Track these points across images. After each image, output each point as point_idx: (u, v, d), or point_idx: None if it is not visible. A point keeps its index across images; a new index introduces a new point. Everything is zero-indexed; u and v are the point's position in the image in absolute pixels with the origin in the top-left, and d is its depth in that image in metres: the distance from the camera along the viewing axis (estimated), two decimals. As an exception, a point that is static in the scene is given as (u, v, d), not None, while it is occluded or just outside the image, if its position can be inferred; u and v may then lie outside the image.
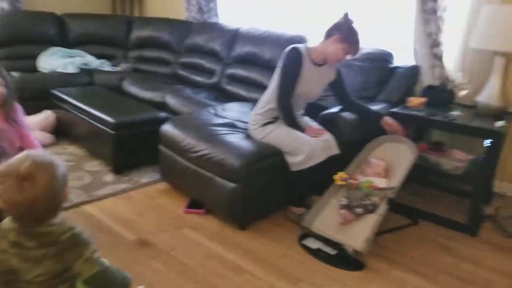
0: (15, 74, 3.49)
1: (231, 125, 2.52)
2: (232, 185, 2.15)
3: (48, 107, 3.37)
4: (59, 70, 3.70)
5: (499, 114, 2.41)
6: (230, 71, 3.60)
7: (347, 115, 2.41)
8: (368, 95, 2.73)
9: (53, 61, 3.75)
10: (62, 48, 3.93)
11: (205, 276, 1.87)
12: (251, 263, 1.98)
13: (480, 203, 2.36)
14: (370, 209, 2.11)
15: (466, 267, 2.05)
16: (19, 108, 2.00)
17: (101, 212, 2.31)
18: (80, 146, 3.19)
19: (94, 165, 2.92)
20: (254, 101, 2.52)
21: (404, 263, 2.05)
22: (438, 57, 2.66)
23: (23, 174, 0.91)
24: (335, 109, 2.45)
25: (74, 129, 3.19)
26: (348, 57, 2.27)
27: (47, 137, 3.22)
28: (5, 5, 3.82)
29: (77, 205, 2.37)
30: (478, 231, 2.36)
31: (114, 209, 2.36)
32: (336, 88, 2.41)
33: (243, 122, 2.55)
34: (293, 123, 2.28)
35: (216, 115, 2.69)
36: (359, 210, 2.10)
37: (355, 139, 2.41)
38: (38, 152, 1.02)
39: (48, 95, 3.40)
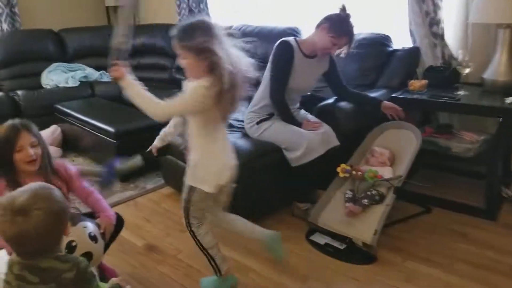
0: (19, 92, 3.55)
1: (229, 125, 2.48)
2: (233, 185, 2.11)
3: (53, 122, 3.42)
4: (61, 85, 3.75)
5: (508, 89, 2.29)
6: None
7: (344, 105, 2.33)
8: (366, 82, 2.64)
9: (55, 76, 3.80)
10: (63, 63, 3.98)
11: (210, 279, 1.84)
12: (255, 262, 1.95)
13: (498, 185, 2.24)
14: (377, 200, 2.04)
15: (486, 254, 1.94)
16: (62, 165, 1.65)
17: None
18: (86, 157, 3.23)
19: (101, 175, 2.93)
20: (249, 99, 2.48)
21: (418, 253, 1.97)
22: (438, 36, 2.55)
23: (17, 208, 0.90)
24: (331, 100, 2.38)
25: (80, 141, 3.23)
26: (343, 51, 2.20)
27: (55, 151, 3.26)
28: (5, 26, 3.88)
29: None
30: (497, 214, 2.23)
31: (123, 217, 2.36)
32: (331, 78, 2.34)
33: (239, 121, 2.52)
34: (289, 118, 2.23)
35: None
36: (365, 201, 2.04)
37: (355, 129, 2.33)
38: (37, 185, 0.99)
39: (53, 110, 3.45)
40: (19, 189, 0.97)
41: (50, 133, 3.32)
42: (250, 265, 1.93)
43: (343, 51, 2.20)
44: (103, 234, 1.58)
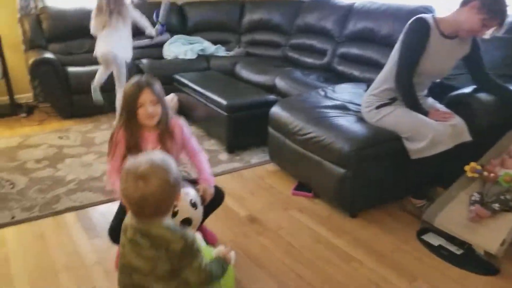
0: (144, 61, 3.91)
1: (342, 107, 2.39)
2: (341, 170, 2.05)
3: (172, 91, 3.69)
4: (181, 56, 4.02)
5: None
6: (343, 50, 3.43)
7: (483, 96, 2.05)
8: (509, 72, 2.29)
9: (175, 48, 4.09)
10: (184, 36, 4.25)
11: (312, 260, 1.83)
12: (361, 252, 1.88)
13: None
14: (511, 206, 1.79)
15: None
16: (179, 125, 1.72)
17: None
18: (199, 127, 3.43)
19: (211, 144, 3.10)
20: (368, 82, 2.33)
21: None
22: None
23: (139, 174, 1.01)
24: (468, 89, 2.11)
25: (194, 110, 3.44)
26: (489, 32, 1.92)
27: (171, 118, 3.53)
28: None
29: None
30: None
31: (228, 186, 2.46)
32: (471, 64, 2.07)
33: (355, 105, 2.40)
34: (415, 105, 2.03)
35: (326, 97, 2.58)
36: (496, 206, 1.81)
37: (492, 125, 2.05)
38: (159, 156, 1.08)
39: (172, 80, 3.72)
40: (143, 157, 1.06)
41: (168, 101, 3.59)
42: (355, 255, 1.86)
43: (488, 33, 1.92)
44: (202, 198, 1.65)
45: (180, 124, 1.74)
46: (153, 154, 1.08)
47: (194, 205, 1.59)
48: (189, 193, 1.61)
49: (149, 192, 0.99)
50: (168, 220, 1.06)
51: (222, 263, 1.15)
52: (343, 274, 1.75)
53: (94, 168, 2.66)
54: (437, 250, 1.87)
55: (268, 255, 1.86)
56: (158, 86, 1.61)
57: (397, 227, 2.07)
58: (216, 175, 2.57)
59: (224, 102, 2.88)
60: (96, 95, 3.39)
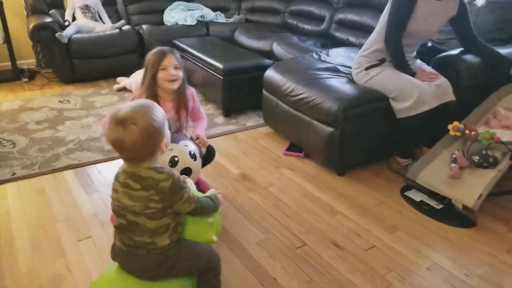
0: (144, 27, 3.92)
1: (334, 70, 2.43)
2: (330, 129, 2.12)
3: (171, 57, 3.73)
4: (181, 22, 4.04)
5: None
6: (340, 16, 3.43)
7: (469, 57, 2.09)
8: (501, 37, 2.30)
9: (176, 14, 4.09)
10: (183, 2, 4.25)
11: (298, 212, 1.93)
12: (345, 207, 1.97)
13: None
14: (490, 162, 1.86)
15: None
16: (191, 93, 1.83)
17: (210, 149, 2.54)
18: (197, 91, 3.44)
19: (209, 108, 3.17)
20: (361, 47, 2.36)
21: (528, 227, 1.78)
22: None
23: (119, 118, 1.06)
24: (455, 51, 2.14)
25: (193, 75, 3.47)
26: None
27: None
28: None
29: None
30: None
31: (222, 147, 2.56)
32: (459, 24, 2.09)
33: (346, 67, 2.44)
34: (403, 65, 2.07)
35: (319, 60, 2.62)
36: (476, 158, 1.87)
37: (476, 86, 2.09)
38: (143, 102, 1.13)
39: (171, 45, 3.74)
40: (128, 103, 1.12)
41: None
42: (339, 209, 1.96)
43: (480, 1, 1.93)
44: (198, 143, 1.77)
45: (193, 93, 1.85)
46: (136, 101, 1.13)
47: (193, 156, 1.69)
48: (188, 145, 1.71)
49: (126, 138, 1.04)
50: (155, 163, 1.13)
51: (213, 198, 1.25)
52: (326, 225, 1.84)
53: (94, 130, 2.75)
54: (419, 205, 1.96)
55: (256, 208, 1.96)
56: (179, 55, 1.72)
57: (382, 184, 2.15)
58: (211, 137, 2.67)
59: (220, 66, 2.92)
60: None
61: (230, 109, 3.03)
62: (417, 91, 1.98)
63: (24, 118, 2.93)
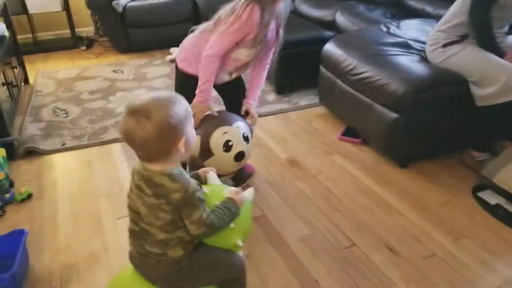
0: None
1: (405, 45, 2.13)
2: (393, 115, 1.87)
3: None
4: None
5: None
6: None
7: None
8: None
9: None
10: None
11: (349, 207, 1.75)
12: (404, 205, 1.75)
13: None
14: None
15: None
16: None
17: (259, 128, 2.38)
18: (248, 65, 3.32)
19: (259, 84, 3.01)
20: (440, 18, 2.03)
21: None
22: None
23: (131, 109, 0.91)
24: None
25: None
26: None
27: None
28: None
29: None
30: None
31: (271, 127, 2.41)
32: None
33: (420, 43, 2.14)
34: (490, 44, 1.75)
35: (388, 33, 2.31)
36: None
37: None
38: (165, 94, 0.96)
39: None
40: (148, 94, 0.95)
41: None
42: (398, 207, 1.74)
43: None
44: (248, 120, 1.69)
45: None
46: (160, 92, 0.97)
47: (246, 138, 1.62)
48: (240, 127, 1.62)
49: (137, 129, 0.90)
50: (174, 169, 0.97)
51: (230, 206, 1.06)
52: (381, 224, 1.65)
53: (144, 102, 2.72)
54: (493, 209, 1.68)
55: (303, 199, 1.81)
56: None
57: (450, 181, 1.88)
58: (260, 116, 2.51)
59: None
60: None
61: (283, 86, 2.84)
62: (505, 75, 1.67)
63: (79, 87, 2.98)
